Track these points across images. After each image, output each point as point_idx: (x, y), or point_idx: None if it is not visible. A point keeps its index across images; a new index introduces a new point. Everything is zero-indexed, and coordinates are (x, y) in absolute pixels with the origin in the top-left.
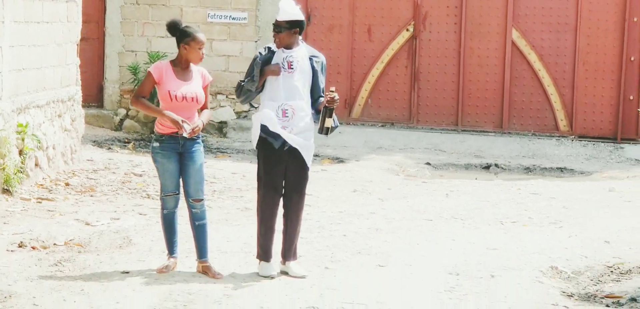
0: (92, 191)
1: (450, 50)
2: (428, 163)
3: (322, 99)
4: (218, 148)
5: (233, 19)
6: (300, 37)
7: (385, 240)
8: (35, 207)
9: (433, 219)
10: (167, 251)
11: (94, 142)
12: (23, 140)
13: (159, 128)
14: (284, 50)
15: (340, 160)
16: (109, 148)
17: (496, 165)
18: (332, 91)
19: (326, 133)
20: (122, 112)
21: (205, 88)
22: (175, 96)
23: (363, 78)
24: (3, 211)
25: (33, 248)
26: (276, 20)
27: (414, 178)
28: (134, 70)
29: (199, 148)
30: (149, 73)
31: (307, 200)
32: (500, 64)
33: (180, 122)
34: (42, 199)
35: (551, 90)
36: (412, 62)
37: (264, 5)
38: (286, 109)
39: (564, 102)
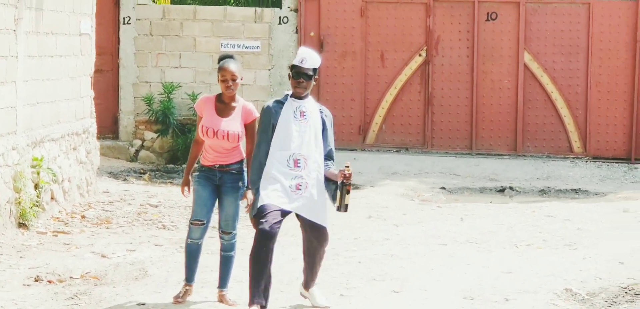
0: (108, 223)
1: (463, 74)
2: (443, 188)
3: (332, 167)
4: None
5: (246, 48)
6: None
7: (400, 266)
8: (52, 240)
9: (448, 243)
10: (184, 276)
11: (110, 173)
12: (38, 173)
13: (201, 159)
14: (294, 100)
15: (355, 187)
16: (125, 179)
17: (511, 188)
18: (348, 167)
19: (345, 210)
20: (138, 142)
21: (248, 124)
22: (207, 131)
23: (377, 104)
24: (19, 246)
25: (49, 281)
26: (302, 68)
27: (428, 203)
28: (149, 101)
29: (238, 184)
30: (196, 111)
31: None
32: (513, 87)
33: (183, 189)
34: (58, 232)
35: (564, 112)
36: (426, 86)
37: (277, 33)
38: (298, 159)
39: (578, 123)
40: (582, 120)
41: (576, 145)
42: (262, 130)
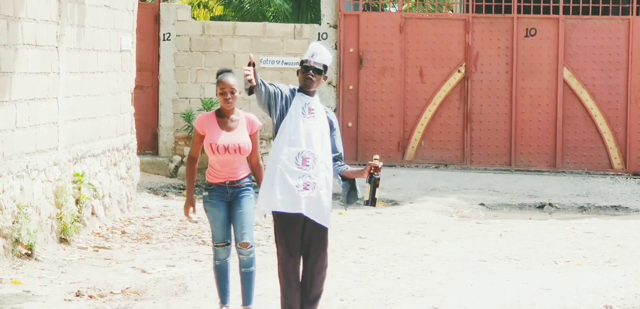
0: (148, 239)
1: (502, 90)
2: (482, 204)
3: (346, 167)
4: None
5: (285, 64)
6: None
7: (439, 282)
8: (92, 256)
9: (487, 260)
10: (219, 300)
11: (150, 189)
12: (79, 189)
13: (208, 177)
14: (303, 95)
15: (394, 203)
16: (165, 195)
17: (550, 205)
18: (377, 159)
19: (373, 204)
20: (177, 158)
21: (252, 135)
22: (217, 147)
23: (416, 121)
24: (61, 261)
25: (90, 296)
26: (312, 62)
27: (468, 219)
28: (188, 117)
29: (248, 195)
30: (194, 129)
31: (362, 243)
32: (553, 103)
33: (189, 216)
34: (99, 247)
35: (604, 128)
36: (465, 103)
37: None
38: (307, 157)
39: (617, 139)
40: (622, 137)
41: (616, 161)
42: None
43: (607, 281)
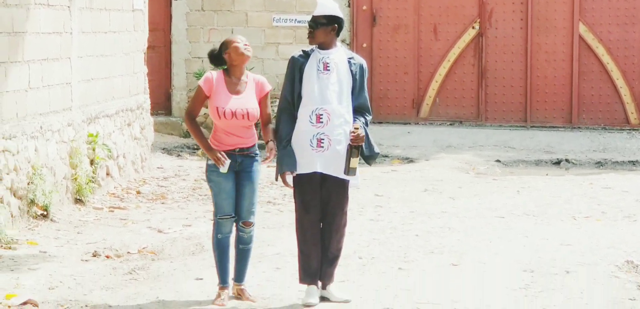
0: (164, 199)
1: (517, 46)
2: (498, 161)
3: (359, 123)
4: None
5: (298, 22)
6: (337, 39)
7: (458, 239)
8: (108, 216)
9: (505, 216)
10: (218, 281)
11: (164, 149)
12: (94, 149)
13: (214, 144)
14: (319, 50)
15: (409, 160)
16: (179, 155)
17: (567, 160)
18: (357, 128)
19: (353, 174)
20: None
21: (262, 99)
22: (224, 112)
23: (430, 78)
24: (76, 221)
25: (107, 257)
26: (313, 16)
27: (484, 176)
28: (200, 76)
29: (257, 167)
30: (199, 88)
31: (378, 200)
32: (568, 59)
33: (220, 158)
34: (114, 208)
35: (620, 83)
36: (479, 59)
37: None
38: (321, 114)
39: (634, 94)
40: (639, 91)
41: (633, 116)
42: (288, 81)
43: (626, 236)
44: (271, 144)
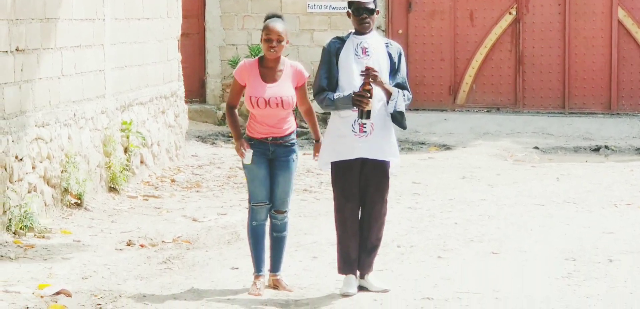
0: (198, 187)
1: (555, 31)
2: (536, 148)
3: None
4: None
5: (333, 8)
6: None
7: (497, 227)
8: (142, 205)
9: (545, 204)
10: (253, 270)
11: (198, 137)
12: (128, 137)
13: (248, 130)
14: (356, 36)
15: (447, 147)
16: (213, 143)
17: (606, 147)
18: (371, 69)
19: (367, 118)
20: (225, 106)
21: (299, 87)
22: (258, 101)
23: (467, 64)
24: (110, 210)
25: (141, 246)
26: (362, 2)
27: (522, 163)
28: (235, 64)
29: (292, 157)
30: (234, 79)
31: (416, 188)
32: (607, 44)
33: (240, 149)
34: (149, 196)
35: None
36: (516, 45)
37: None
38: None
39: None
40: None
41: None
42: (323, 68)
43: None
44: (318, 145)
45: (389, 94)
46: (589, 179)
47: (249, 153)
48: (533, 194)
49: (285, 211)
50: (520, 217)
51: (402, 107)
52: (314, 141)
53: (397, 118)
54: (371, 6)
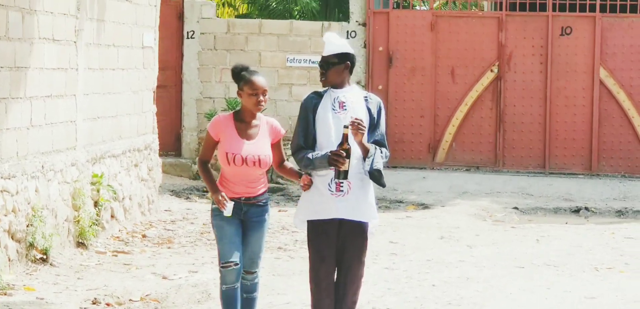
0: (170, 243)
1: (536, 90)
2: (516, 208)
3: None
4: (298, 196)
5: (312, 62)
6: (352, 79)
7: (476, 290)
8: (111, 261)
9: (525, 266)
10: None
11: (172, 191)
12: (98, 191)
13: (220, 187)
14: (333, 90)
15: (425, 206)
16: (187, 197)
17: (586, 209)
18: (356, 123)
19: (344, 178)
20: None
21: (275, 143)
22: (234, 158)
23: (447, 122)
24: (77, 266)
25: (108, 305)
26: (322, 57)
27: (502, 224)
28: (212, 117)
29: (265, 216)
30: (208, 132)
31: (393, 248)
32: (588, 104)
33: (221, 201)
34: (118, 252)
35: None
36: (497, 103)
37: None
38: None
39: None
40: None
41: None
42: (300, 125)
43: None
44: (305, 177)
45: (366, 151)
46: (569, 241)
47: (230, 205)
48: (513, 256)
49: (255, 271)
50: (499, 280)
51: (379, 165)
52: (298, 180)
53: (375, 176)
54: (333, 60)
